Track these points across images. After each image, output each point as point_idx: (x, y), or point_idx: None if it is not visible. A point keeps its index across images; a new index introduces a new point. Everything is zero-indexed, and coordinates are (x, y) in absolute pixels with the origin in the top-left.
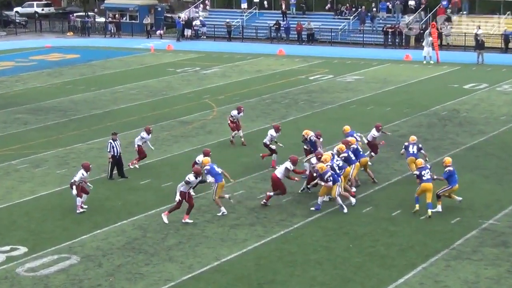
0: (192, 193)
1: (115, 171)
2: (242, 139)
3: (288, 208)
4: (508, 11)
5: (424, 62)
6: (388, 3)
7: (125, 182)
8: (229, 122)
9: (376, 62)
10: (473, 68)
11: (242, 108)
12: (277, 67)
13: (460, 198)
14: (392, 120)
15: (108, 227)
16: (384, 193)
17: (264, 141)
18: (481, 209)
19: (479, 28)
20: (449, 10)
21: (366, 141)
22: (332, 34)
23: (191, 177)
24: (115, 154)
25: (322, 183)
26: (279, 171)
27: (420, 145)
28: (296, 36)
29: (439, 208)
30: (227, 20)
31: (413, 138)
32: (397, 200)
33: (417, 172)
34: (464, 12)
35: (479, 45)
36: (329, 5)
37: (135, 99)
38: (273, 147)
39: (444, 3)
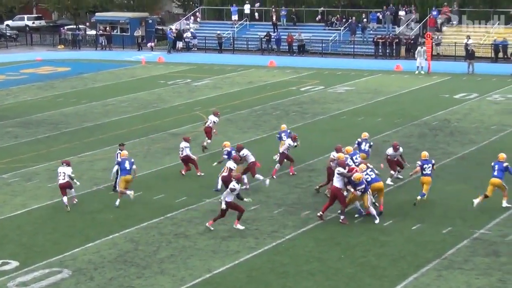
0: None
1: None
2: (205, 143)
3: (280, 220)
4: (498, 21)
5: (416, 72)
6: (378, 14)
7: (117, 195)
8: (208, 126)
9: (367, 72)
10: (463, 78)
11: (218, 113)
12: (268, 79)
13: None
14: (383, 130)
15: (100, 240)
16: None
17: (281, 150)
18: (472, 218)
19: (469, 38)
20: (439, 21)
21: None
22: (323, 45)
23: (235, 184)
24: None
25: (352, 190)
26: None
27: (371, 143)
28: (287, 47)
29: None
30: (218, 32)
31: (364, 134)
32: (389, 210)
33: (420, 163)
34: (454, 22)
35: (469, 55)
36: (319, 16)
37: (126, 111)
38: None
39: (435, 13)
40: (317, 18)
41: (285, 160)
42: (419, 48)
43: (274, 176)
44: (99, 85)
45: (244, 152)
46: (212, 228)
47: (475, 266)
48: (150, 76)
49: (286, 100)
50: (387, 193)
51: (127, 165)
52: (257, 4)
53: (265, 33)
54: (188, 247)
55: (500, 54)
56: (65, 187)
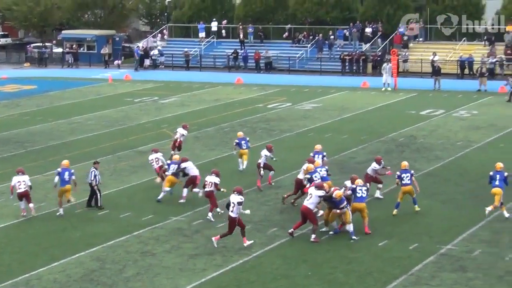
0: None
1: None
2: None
3: (248, 237)
4: (464, 38)
5: (383, 89)
6: (345, 31)
7: (84, 213)
8: (176, 140)
9: (333, 89)
10: (430, 94)
11: (187, 126)
12: (235, 96)
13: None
14: (350, 147)
15: (66, 259)
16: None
17: (258, 161)
18: (439, 234)
19: (435, 55)
20: (405, 37)
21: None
22: (290, 62)
23: (242, 197)
24: (97, 183)
25: (337, 211)
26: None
27: (324, 153)
28: (254, 64)
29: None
30: (185, 49)
31: (317, 146)
32: (356, 226)
33: (398, 173)
34: (421, 39)
35: (436, 72)
36: (286, 33)
37: (93, 129)
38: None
39: (401, 30)
40: (284, 35)
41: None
42: (384, 65)
43: (272, 183)
44: (65, 103)
45: (187, 165)
46: (216, 246)
47: (441, 282)
48: (117, 94)
49: (253, 117)
50: None
51: (66, 176)
52: (224, 22)
53: (232, 51)
54: (155, 265)
55: (466, 71)
56: (24, 196)
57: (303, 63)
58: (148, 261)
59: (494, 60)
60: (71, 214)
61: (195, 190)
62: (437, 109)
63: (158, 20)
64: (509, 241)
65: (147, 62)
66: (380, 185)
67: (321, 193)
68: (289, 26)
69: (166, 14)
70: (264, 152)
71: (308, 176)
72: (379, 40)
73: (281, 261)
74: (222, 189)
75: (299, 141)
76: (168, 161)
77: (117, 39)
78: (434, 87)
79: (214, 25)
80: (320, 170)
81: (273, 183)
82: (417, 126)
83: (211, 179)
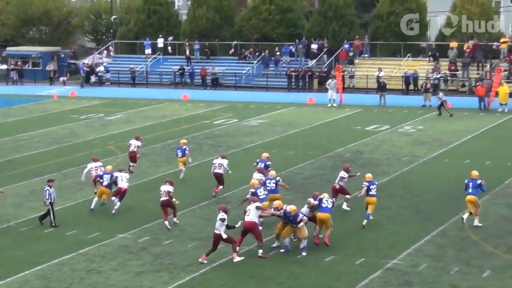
0: None
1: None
2: (131, 168)
3: (194, 254)
4: (408, 54)
5: (329, 105)
6: (291, 47)
7: (29, 231)
8: (132, 151)
9: (280, 105)
10: (375, 110)
11: (140, 137)
12: (182, 112)
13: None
14: (297, 163)
15: (10, 278)
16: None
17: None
18: (385, 249)
19: (381, 71)
20: (351, 54)
21: (338, 186)
22: (236, 78)
23: (224, 214)
24: (52, 201)
25: (298, 225)
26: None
27: (269, 163)
28: (201, 81)
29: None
30: (131, 65)
31: (264, 155)
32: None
33: (366, 184)
34: (366, 55)
35: (381, 87)
36: (233, 50)
37: (38, 146)
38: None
39: (346, 46)
40: (230, 52)
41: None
42: (329, 81)
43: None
44: (10, 120)
45: (117, 175)
46: (205, 262)
47: None
48: (62, 111)
49: (200, 133)
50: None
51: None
52: (170, 38)
53: (178, 67)
54: (101, 283)
55: (411, 86)
56: None
57: (249, 79)
58: (94, 279)
59: (438, 75)
60: (16, 232)
61: (114, 199)
62: (383, 125)
63: (104, 36)
64: (454, 255)
65: (92, 78)
66: (348, 196)
67: (258, 204)
68: (235, 42)
69: (112, 30)
70: (224, 162)
71: (253, 190)
72: (325, 56)
73: (228, 278)
74: (175, 200)
75: (246, 157)
76: (101, 172)
77: (63, 55)
78: (380, 103)
79: (160, 42)
80: (269, 182)
81: (217, 197)
82: (363, 141)
83: (166, 188)
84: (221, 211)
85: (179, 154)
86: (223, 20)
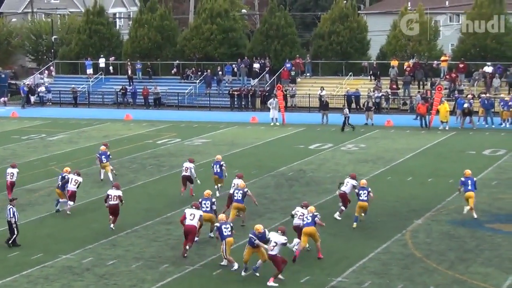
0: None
1: None
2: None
3: (139, 274)
4: (350, 73)
5: (272, 124)
6: (233, 66)
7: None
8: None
9: (223, 125)
10: (317, 128)
11: (108, 145)
12: (125, 132)
13: None
14: None
15: None
16: (234, 256)
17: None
18: (330, 266)
19: (323, 90)
20: (293, 73)
21: (340, 192)
22: (179, 98)
23: (286, 238)
24: (16, 220)
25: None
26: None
27: (223, 163)
28: (143, 100)
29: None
30: (73, 86)
31: (218, 157)
32: (249, 261)
33: (356, 191)
34: (308, 74)
35: (324, 106)
36: (175, 69)
37: None
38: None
39: (288, 65)
40: (172, 71)
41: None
42: (271, 100)
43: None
44: None
45: (70, 177)
46: (276, 285)
47: None
48: (3, 132)
49: (143, 153)
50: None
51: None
52: (112, 58)
53: (120, 87)
54: None
55: (353, 105)
56: None
57: (192, 99)
58: None
59: (379, 94)
60: None
61: (69, 202)
62: (326, 143)
63: (45, 56)
64: (398, 272)
65: (32, 99)
66: (343, 208)
67: (200, 212)
68: (177, 62)
69: (53, 50)
70: (187, 164)
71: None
72: (267, 75)
73: None
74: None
75: None
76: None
77: (3, 76)
78: (322, 122)
79: (101, 62)
80: (237, 193)
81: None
82: (306, 160)
83: (114, 192)
84: (280, 232)
85: (104, 160)
86: (165, 39)
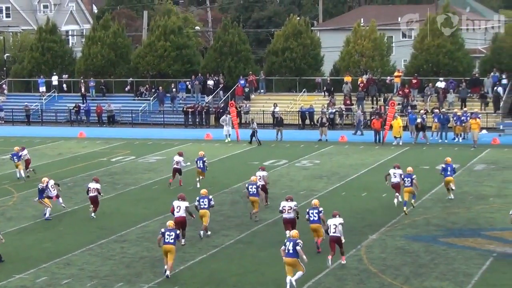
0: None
1: None
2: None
3: None
4: (304, 89)
5: (226, 140)
6: (187, 83)
7: None
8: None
9: (177, 142)
10: (272, 145)
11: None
12: (78, 150)
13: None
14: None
15: None
16: (191, 272)
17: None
18: (285, 282)
19: (276, 106)
20: (246, 89)
21: (392, 183)
22: (133, 115)
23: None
24: None
25: None
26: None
27: (205, 159)
28: (97, 118)
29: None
30: (26, 104)
31: (201, 153)
32: (203, 279)
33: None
34: (262, 91)
35: (278, 122)
36: (128, 87)
37: None
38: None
39: (242, 82)
40: (126, 89)
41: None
42: (224, 117)
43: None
44: None
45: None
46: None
47: None
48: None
49: (97, 171)
50: (205, 260)
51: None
52: (65, 76)
53: (74, 105)
54: None
55: (307, 121)
56: None
57: (146, 116)
58: None
59: (333, 110)
60: None
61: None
62: (280, 160)
63: None
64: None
65: None
66: (398, 194)
67: (185, 203)
68: (131, 79)
69: (5, 68)
70: (177, 158)
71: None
72: (221, 92)
73: None
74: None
75: (144, 194)
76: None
77: None
78: (276, 138)
79: (54, 79)
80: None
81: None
82: None
83: (94, 185)
84: (338, 216)
85: (15, 160)
86: (118, 57)
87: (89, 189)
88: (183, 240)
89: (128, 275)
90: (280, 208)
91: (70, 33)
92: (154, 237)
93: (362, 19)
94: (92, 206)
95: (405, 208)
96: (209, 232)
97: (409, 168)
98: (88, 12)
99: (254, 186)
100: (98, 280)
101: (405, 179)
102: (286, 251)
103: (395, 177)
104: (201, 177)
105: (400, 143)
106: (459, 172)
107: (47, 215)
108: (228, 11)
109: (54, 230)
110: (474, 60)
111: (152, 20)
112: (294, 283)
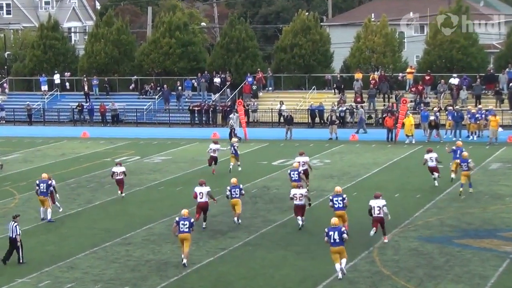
0: None
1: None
2: None
3: None
4: (313, 86)
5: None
6: (193, 81)
7: None
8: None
9: (184, 141)
10: (281, 144)
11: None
12: (82, 150)
13: None
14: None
15: None
16: (198, 275)
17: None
18: (295, 286)
19: (282, 104)
20: (254, 87)
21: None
22: (138, 114)
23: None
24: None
25: None
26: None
27: (236, 145)
28: (100, 117)
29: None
30: (27, 103)
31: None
32: (212, 280)
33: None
34: (270, 88)
35: (288, 121)
36: (133, 85)
37: None
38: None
39: (250, 80)
40: (130, 87)
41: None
42: (231, 115)
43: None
44: None
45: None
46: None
47: None
48: None
49: (101, 171)
50: (213, 262)
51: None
52: (68, 74)
53: (77, 104)
54: None
55: (317, 119)
56: None
57: (151, 115)
58: None
59: (344, 108)
60: None
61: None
62: (289, 159)
63: None
64: None
65: None
66: (436, 174)
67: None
68: (135, 77)
69: (6, 67)
70: (214, 146)
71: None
72: (228, 90)
73: None
74: None
75: (149, 195)
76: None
77: None
78: (286, 137)
79: (57, 78)
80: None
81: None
82: (270, 176)
83: (119, 169)
84: (380, 198)
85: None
86: (122, 54)
87: (114, 173)
88: (204, 223)
89: (133, 279)
90: (291, 195)
91: (72, 30)
92: (160, 239)
93: (372, 14)
94: (119, 188)
95: (461, 189)
96: (240, 221)
97: (465, 153)
98: (91, 9)
99: (296, 172)
100: (102, 284)
101: (462, 164)
102: (332, 240)
103: (432, 161)
104: (237, 162)
105: (413, 142)
106: (474, 171)
107: (49, 217)
108: (234, 7)
109: (57, 233)
110: (489, 55)
111: (156, 16)
112: (345, 270)
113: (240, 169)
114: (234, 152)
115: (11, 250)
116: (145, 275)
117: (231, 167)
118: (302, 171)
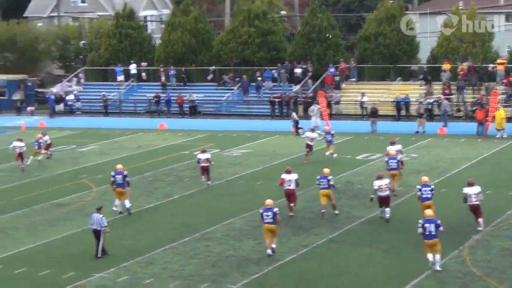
0: None
1: None
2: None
3: None
4: (398, 77)
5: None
6: (273, 72)
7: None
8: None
9: (263, 134)
10: (365, 137)
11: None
12: (159, 143)
13: None
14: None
15: None
16: (280, 272)
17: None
18: (381, 285)
19: (364, 95)
20: (337, 78)
21: None
22: (216, 105)
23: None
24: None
25: None
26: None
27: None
28: (178, 109)
29: None
30: (103, 93)
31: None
32: (295, 278)
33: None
34: (353, 79)
35: (373, 113)
36: (211, 75)
37: (5, 181)
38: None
39: (332, 70)
40: (208, 78)
41: None
42: (312, 107)
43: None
44: None
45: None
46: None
47: None
48: (31, 143)
49: (179, 165)
50: (296, 260)
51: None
52: (144, 64)
53: (153, 94)
54: None
55: (403, 112)
56: None
57: (230, 106)
58: None
59: (431, 100)
60: None
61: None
62: (374, 153)
63: (73, 63)
64: None
65: (59, 107)
66: None
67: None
68: (213, 67)
69: (81, 56)
70: (311, 135)
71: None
72: (309, 81)
73: None
74: None
75: (229, 189)
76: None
77: (29, 84)
78: (371, 130)
79: (133, 68)
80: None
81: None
82: (354, 171)
83: (204, 156)
84: (474, 185)
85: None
86: (199, 44)
87: (200, 160)
88: (291, 213)
89: (213, 275)
90: (376, 187)
91: (148, 18)
92: (241, 234)
93: (461, 2)
94: (204, 175)
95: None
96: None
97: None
98: None
99: (395, 161)
100: (181, 280)
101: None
102: (427, 232)
103: None
104: (330, 151)
105: (504, 136)
106: None
107: (128, 205)
108: None
109: (133, 227)
110: None
111: (235, 4)
112: (439, 265)
113: (335, 155)
114: (329, 140)
115: (98, 242)
116: (226, 271)
117: (328, 154)
118: (401, 160)
